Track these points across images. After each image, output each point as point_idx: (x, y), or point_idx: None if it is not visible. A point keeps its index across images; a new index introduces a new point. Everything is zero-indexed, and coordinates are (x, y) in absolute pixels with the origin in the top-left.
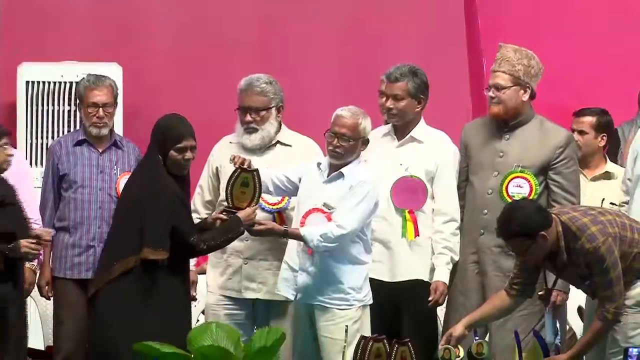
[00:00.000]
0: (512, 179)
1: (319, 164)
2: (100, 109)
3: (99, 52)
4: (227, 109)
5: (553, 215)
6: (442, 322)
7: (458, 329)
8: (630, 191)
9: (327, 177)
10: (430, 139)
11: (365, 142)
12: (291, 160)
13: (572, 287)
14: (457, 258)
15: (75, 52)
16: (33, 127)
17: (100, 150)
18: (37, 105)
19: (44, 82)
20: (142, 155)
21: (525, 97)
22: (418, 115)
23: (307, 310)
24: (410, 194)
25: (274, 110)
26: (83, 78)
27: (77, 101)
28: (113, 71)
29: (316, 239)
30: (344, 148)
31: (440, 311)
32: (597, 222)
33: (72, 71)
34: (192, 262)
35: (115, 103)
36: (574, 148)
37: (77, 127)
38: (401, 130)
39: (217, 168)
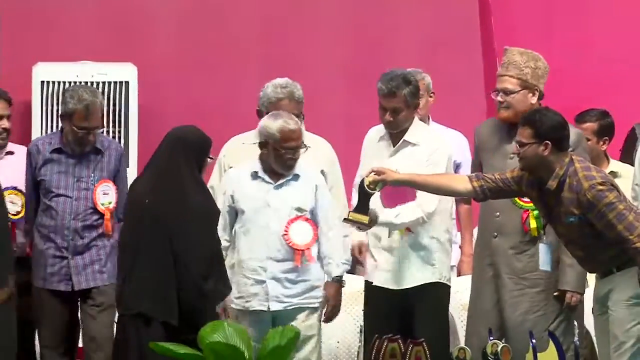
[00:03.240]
0: None
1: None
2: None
3: (113, 52)
4: (240, 109)
5: (570, 155)
6: (453, 318)
7: (391, 175)
8: (639, 197)
9: (285, 179)
10: (424, 140)
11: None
12: (310, 161)
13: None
14: (398, 221)
15: (90, 52)
16: (48, 126)
17: (78, 158)
18: (52, 105)
19: (59, 82)
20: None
21: (534, 100)
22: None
23: (272, 316)
24: (399, 194)
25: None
26: (69, 98)
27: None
28: (128, 71)
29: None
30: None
31: (453, 310)
32: (605, 179)
33: (87, 71)
34: None
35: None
36: (584, 146)
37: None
38: (396, 133)
39: (231, 169)
